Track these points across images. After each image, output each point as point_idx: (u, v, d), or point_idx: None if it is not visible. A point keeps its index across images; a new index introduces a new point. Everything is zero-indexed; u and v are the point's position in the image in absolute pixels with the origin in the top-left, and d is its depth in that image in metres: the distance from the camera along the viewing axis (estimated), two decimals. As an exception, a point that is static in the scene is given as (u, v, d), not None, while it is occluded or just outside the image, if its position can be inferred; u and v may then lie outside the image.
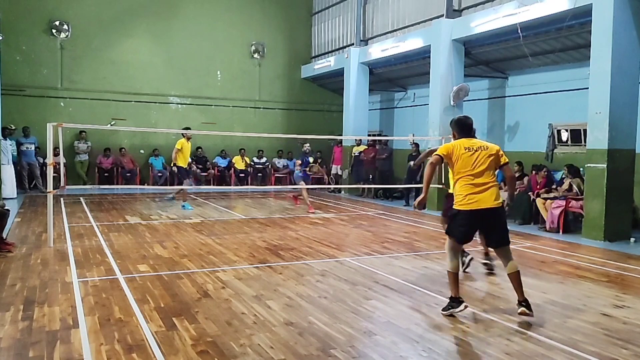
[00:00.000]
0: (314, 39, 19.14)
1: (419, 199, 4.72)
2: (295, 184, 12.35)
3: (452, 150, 4.60)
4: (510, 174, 4.77)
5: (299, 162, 12.24)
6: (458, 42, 12.01)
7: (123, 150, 16.01)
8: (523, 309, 4.42)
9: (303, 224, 9.95)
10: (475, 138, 4.74)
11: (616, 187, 8.51)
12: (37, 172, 14.20)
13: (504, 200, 4.60)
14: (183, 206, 11.58)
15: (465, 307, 4.51)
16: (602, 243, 8.31)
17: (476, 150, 4.56)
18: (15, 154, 13.54)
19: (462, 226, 4.58)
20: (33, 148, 14.18)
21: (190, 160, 12.28)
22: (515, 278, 4.54)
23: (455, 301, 4.56)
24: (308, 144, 12.34)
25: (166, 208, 11.74)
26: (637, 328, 4.43)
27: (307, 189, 12.07)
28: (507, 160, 4.68)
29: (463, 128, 4.74)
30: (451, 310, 4.55)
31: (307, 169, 12.10)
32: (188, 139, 11.65)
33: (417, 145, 13.25)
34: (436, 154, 4.63)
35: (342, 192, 15.97)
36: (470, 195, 4.48)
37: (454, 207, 4.60)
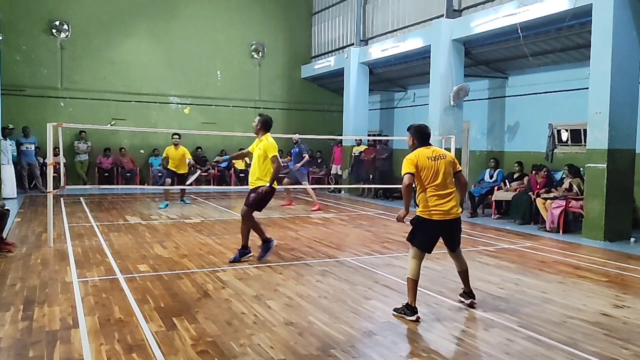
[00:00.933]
0: (314, 39, 19.14)
1: (400, 213, 4.66)
2: (295, 182, 12.32)
3: (416, 162, 4.62)
4: (463, 180, 4.92)
5: (289, 157, 12.35)
6: (458, 42, 12.00)
7: (123, 150, 16.01)
8: (472, 300, 4.89)
9: (303, 224, 9.95)
10: (431, 145, 4.79)
11: (616, 187, 8.51)
12: (37, 172, 14.21)
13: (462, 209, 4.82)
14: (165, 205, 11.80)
15: (418, 318, 4.48)
16: (602, 243, 8.31)
17: (437, 159, 4.65)
18: (15, 154, 13.55)
19: (426, 235, 4.66)
20: (33, 148, 14.18)
21: (189, 164, 12.15)
22: (465, 275, 4.94)
23: (410, 309, 4.55)
24: (297, 134, 12.42)
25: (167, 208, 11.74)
26: (637, 328, 4.43)
27: (310, 187, 12.19)
28: (460, 167, 4.86)
29: (424, 137, 4.78)
30: (402, 315, 4.55)
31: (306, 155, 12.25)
32: (175, 145, 11.76)
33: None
34: (407, 173, 4.59)
35: (342, 192, 15.97)
36: (437, 206, 4.58)
37: (419, 214, 4.67)
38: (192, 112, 17.21)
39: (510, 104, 13.07)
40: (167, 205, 11.72)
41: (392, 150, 15.22)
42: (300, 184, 12.30)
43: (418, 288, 4.64)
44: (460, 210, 4.74)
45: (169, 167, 11.93)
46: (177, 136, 11.83)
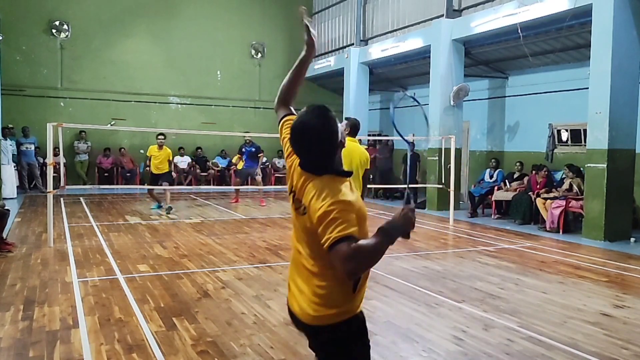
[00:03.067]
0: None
1: None
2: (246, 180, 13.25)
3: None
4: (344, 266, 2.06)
5: (239, 156, 13.15)
6: (458, 42, 12.00)
7: (123, 150, 16.01)
8: None
9: (303, 224, 9.93)
10: (325, 173, 2.09)
11: (616, 187, 8.51)
12: (37, 172, 14.20)
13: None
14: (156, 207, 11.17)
15: None
16: (602, 243, 8.30)
17: (297, 205, 2.16)
18: (15, 154, 13.55)
19: None
20: (33, 148, 14.18)
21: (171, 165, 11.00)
22: None
23: None
24: (248, 132, 13.49)
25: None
26: (637, 328, 4.43)
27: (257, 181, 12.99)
28: (334, 235, 1.89)
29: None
30: None
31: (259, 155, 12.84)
32: (159, 146, 10.69)
33: (413, 144, 13.25)
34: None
35: (342, 192, 15.95)
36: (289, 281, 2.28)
37: None
38: (192, 112, 17.22)
39: (510, 104, 13.07)
40: (159, 206, 10.99)
41: (392, 149, 15.21)
42: (255, 178, 13.00)
43: (418, 287, 4.61)
44: (320, 314, 2.12)
45: (151, 169, 10.76)
46: (162, 136, 10.74)
